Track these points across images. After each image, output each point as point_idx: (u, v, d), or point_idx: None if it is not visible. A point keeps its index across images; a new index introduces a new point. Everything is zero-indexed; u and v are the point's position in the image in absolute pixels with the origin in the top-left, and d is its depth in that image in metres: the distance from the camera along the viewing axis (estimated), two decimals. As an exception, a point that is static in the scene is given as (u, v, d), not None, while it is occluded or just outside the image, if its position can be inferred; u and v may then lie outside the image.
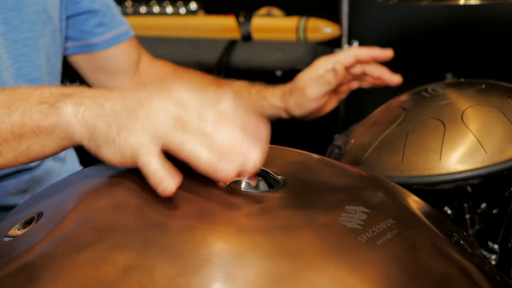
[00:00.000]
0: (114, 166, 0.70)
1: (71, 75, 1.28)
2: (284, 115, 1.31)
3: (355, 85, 1.30)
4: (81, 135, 0.72)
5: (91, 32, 1.28)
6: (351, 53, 1.24)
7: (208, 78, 1.40)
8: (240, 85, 1.35)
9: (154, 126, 0.67)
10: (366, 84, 1.30)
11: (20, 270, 0.57)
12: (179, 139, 0.66)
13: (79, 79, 1.32)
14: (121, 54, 1.34)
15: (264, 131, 0.69)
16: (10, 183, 1.14)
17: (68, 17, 1.25)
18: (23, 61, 1.11)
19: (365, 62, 1.26)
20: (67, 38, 1.27)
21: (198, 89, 0.70)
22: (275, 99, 1.30)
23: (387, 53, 1.25)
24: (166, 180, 0.63)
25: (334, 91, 1.28)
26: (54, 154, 0.77)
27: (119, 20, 1.33)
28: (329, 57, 1.26)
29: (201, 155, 0.65)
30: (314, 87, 1.24)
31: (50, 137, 0.74)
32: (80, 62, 1.33)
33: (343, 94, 1.30)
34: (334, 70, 1.22)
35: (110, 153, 0.69)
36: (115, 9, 1.33)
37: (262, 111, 1.31)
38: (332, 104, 1.30)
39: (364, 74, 1.28)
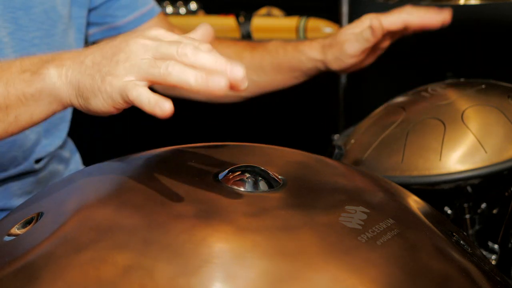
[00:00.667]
0: (106, 114, 0.73)
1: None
2: (322, 67, 1.26)
3: (396, 37, 1.26)
4: (68, 95, 0.73)
5: (114, 15, 1.26)
6: (401, 17, 1.19)
7: (242, 43, 1.36)
8: (275, 44, 1.31)
9: (135, 64, 0.69)
10: (407, 33, 1.25)
11: (20, 270, 0.57)
12: (163, 69, 0.68)
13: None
14: None
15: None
16: (15, 185, 1.14)
17: (92, 9, 1.23)
18: None
19: (415, 27, 1.20)
20: (90, 25, 1.25)
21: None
22: (313, 51, 1.25)
23: (439, 18, 1.19)
24: (160, 102, 0.66)
25: (374, 47, 1.23)
26: (43, 120, 0.78)
27: None
28: (377, 15, 1.22)
29: (189, 76, 0.67)
30: (353, 43, 1.20)
31: (37, 103, 0.75)
32: None
33: (380, 51, 1.26)
34: (372, 28, 1.18)
35: (100, 102, 0.72)
36: None
37: (300, 66, 1.27)
38: (370, 59, 1.26)
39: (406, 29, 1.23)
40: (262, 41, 1.34)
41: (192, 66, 0.68)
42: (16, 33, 1.08)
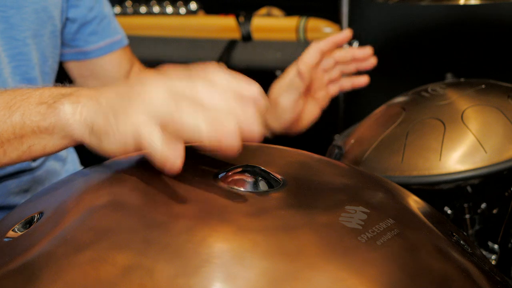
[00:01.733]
0: (116, 155, 0.71)
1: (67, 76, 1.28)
2: (266, 133, 1.25)
3: (333, 89, 1.24)
4: (81, 133, 0.73)
5: (85, 39, 1.28)
6: (314, 48, 1.19)
7: None
8: None
9: (149, 105, 0.67)
10: (345, 87, 1.25)
11: (20, 270, 0.57)
12: (177, 114, 0.66)
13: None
14: (113, 63, 1.33)
15: (256, 89, 0.68)
16: (12, 183, 1.14)
17: (65, 19, 1.24)
18: (21, 60, 1.11)
19: (328, 53, 1.20)
20: (63, 44, 1.27)
21: (191, 77, 0.70)
22: None
23: (345, 35, 1.20)
24: (171, 158, 0.64)
25: (312, 97, 1.23)
26: (56, 152, 0.78)
27: (114, 28, 1.32)
28: (298, 60, 1.21)
29: (201, 128, 0.64)
30: (285, 95, 1.19)
31: (50, 137, 0.75)
32: (72, 67, 1.32)
33: (322, 101, 1.24)
34: (298, 72, 1.17)
35: (112, 143, 0.70)
36: (111, 16, 1.32)
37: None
38: (312, 113, 1.24)
39: (340, 76, 1.23)
40: None
41: (206, 115, 0.65)
42: (7, 31, 1.08)
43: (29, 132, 0.75)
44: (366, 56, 1.22)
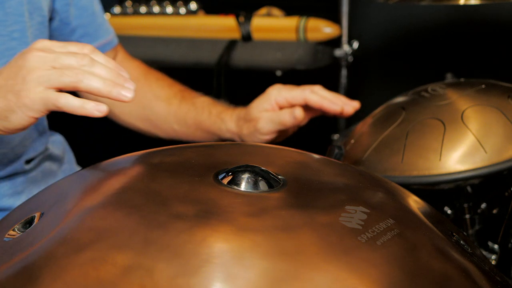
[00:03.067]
0: (27, 127, 0.80)
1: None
2: (238, 140, 1.27)
3: (307, 118, 1.25)
4: None
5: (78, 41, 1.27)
6: (303, 95, 1.19)
7: (176, 88, 1.36)
8: (203, 102, 1.32)
9: (42, 75, 0.76)
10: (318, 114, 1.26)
11: (20, 270, 0.57)
12: (73, 77, 0.76)
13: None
14: None
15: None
16: (5, 185, 1.14)
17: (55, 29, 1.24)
18: (11, 55, 1.09)
19: (313, 107, 1.21)
20: None
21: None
22: (231, 123, 1.26)
23: (336, 107, 1.20)
24: (96, 105, 0.76)
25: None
26: None
27: (105, 29, 1.31)
28: (281, 88, 1.21)
29: (99, 84, 0.77)
30: (268, 123, 1.20)
31: None
32: None
33: (302, 122, 1.25)
34: (294, 115, 1.18)
35: (20, 117, 0.78)
36: (102, 17, 1.30)
37: (218, 133, 1.29)
38: (282, 137, 1.26)
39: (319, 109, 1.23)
40: (195, 93, 1.35)
41: (91, 74, 0.76)
42: None
43: None
44: (335, 112, 1.21)
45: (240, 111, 1.26)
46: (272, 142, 1.24)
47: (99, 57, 0.80)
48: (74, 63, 0.77)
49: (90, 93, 0.77)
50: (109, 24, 1.33)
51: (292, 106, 1.21)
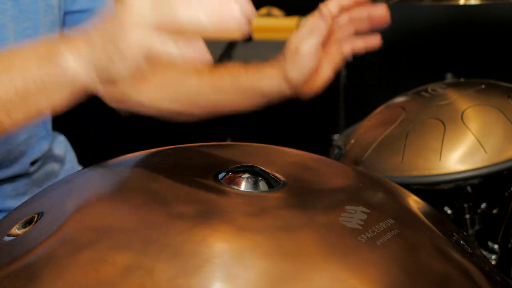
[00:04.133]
0: (131, 80, 0.72)
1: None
2: (284, 86, 1.20)
3: (346, 48, 1.21)
4: (87, 75, 0.73)
5: None
6: (335, 2, 1.16)
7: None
8: (234, 65, 1.28)
9: (139, 17, 0.68)
10: (358, 47, 1.21)
11: (20, 270, 0.57)
12: (171, 13, 0.68)
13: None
14: None
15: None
16: (8, 187, 1.13)
17: (66, 13, 1.23)
18: None
19: (346, 10, 1.17)
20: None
21: None
22: (272, 69, 1.21)
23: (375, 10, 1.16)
24: (196, 55, 0.66)
25: (326, 53, 1.19)
26: (65, 107, 0.77)
27: None
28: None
29: (201, 18, 0.68)
30: (306, 41, 1.15)
31: (56, 89, 0.74)
32: None
33: (336, 61, 1.21)
34: (321, 15, 1.15)
35: (122, 69, 0.71)
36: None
37: (260, 88, 1.24)
38: (325, 73, 1.20)
39: (353, 34, 1.19)
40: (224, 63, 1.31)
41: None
42: (7, 24, 1.07)
43: (33, 89, 0.74)
44: (381, 14, 1.19)
45: (279, 56, 1.22)
46: (316, 80, 1.19)
47: None
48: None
49: (193, 30, 0.69)
50: None
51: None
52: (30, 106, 0.76)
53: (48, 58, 0.74)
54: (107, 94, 1.20)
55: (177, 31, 0.67)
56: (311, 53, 1.16)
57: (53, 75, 0.74)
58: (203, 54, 0.66)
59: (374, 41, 1.19)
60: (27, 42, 0.86)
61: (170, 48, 0.67)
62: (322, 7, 1.14)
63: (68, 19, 1.23)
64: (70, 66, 0.73)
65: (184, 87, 1.29)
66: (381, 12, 1.17)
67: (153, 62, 0.69)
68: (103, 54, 0.71)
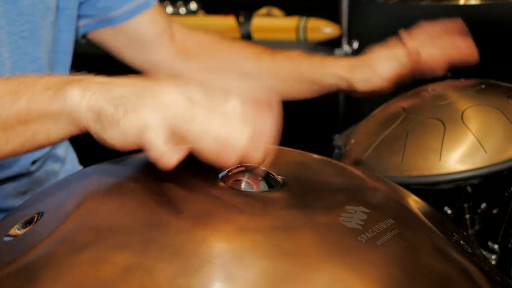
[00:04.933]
0: (115, 147, 0.70)
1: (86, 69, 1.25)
2: (344, 86, 1.22)
3: (427, 72, 1.22)
4: (87, 119, 0.72)
5: (108, 7, 1.22)
6: (444, 53, 1.19)
7: (260, 46, 1.30)
8: (298, 53, 1.27)
9: (162, 108, 0.67)
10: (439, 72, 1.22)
11: (20, 270, 0.57)
12: (186, 125, 0.66)
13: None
14: (147, 22, 1.26)
15: (273, 120, 0.69)
16: (10, 186, 1.14)
17: (84, 1, 1.21)
18: (19, 54, 1.09)
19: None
20: (81, 17, 1.22)
21: (209, 89, 0.70)
22: (340, 68, 1.22)
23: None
24: (168, 154, 0.64)
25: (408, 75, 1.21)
26: (60, 141, 0.77)
27: None
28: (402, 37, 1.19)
29: (207, 142, 0.66)
30: (387, 64, 1.18)
31: (56, 122, 0.74)
32: (105, 38, 1.26)
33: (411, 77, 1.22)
34: (409, 51, 1.16)
35: (114, 135, 0.69)
36: None
37: (322, 79, 1.24)
38: (402, 79, 1.22)
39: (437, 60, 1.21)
40: (284, 50, 1.30)
41: (213, 135, 0.66)
42: (5, 27, 1.07)
43: (35, 117, 0.74)
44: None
45: (351, 59, 1.23)
46: (383, 92, 1.22)
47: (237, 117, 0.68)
48: (203, 117, 0.66)
49: (192, 146, 0.67)
50: None
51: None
52: (27, 134, 0.75)
53: (57, 90, 0.73)
54: None
55: (177, 137, 0.67)
56: (387, 78, 1.18)
57: (56, 108, 0.73)
58: (173, 156, 0.65)
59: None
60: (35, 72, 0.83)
61: (157, 139, 0.66)
62: (407, 40, 1.16)
63: (86, 7, 1.22)
64: (74, 105, 0.72)
65: (240, 70, 1.27)
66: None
67: (136, 145, 0.69)
68: (111, 110, 0.70)
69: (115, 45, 1.27)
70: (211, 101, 0.68)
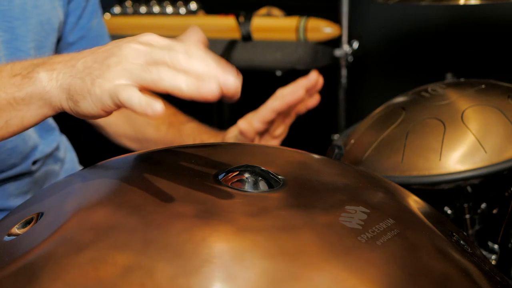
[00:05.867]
0: (96, 117, 0.72)
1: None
2: None
3: (289, 120, 1.27)
4: (59, 98, 0.73)
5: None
6: (269, 108, 1.22)
7: (167, 112, 1.36)
8: (189, 129, 1.35)
9: (127, 68, 0.69)
10: (300, 111, 1.26)
11: (20, 270, 0.57)
12: (155, 75, 0.68)
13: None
14: None
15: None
16: (11, 186, 1.14)
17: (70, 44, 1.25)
18: None
19: (288, 106, 1.22)
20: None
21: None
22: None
23: (309, 82, 1.21)
24: (151, 102, 0.66)
25: (271, 136, 1.26)
26: (34, 125, 0.78)
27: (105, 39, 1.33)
28: (249, 117, 1.24)
29: (180, 82, 0.67)
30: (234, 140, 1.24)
31: (28, 107, 0.75)
32: None
33: (283, 133, 1.27)
34: (243, 132, 1.21)
35: (89, 105, 0.71)
36: (107, 36, 1.33)
37: None
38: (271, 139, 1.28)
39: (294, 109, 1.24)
40: (182, 120, 1.38)
41: (184, 72, 0.68)
42: (12, 42, 1.08)
43: (5, 105, 0.75)
44: (313, 83, 1.22)
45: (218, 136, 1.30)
46: None
47: (201, 53, 0.71)
48: (166, 59, 0.69)
49: (172, 93, 0.69)
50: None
51: (273, 121, 1.24)
52: (0, 123, 0.76)
53: (24, 76, 0.74)
54: None
55: (152, 88, 0.69)
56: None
57: (26, 93, 0.74)
58: (158, 108, 0.67)
59: (314, 102, 1.24)
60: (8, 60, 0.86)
61: (134, 99, 0.67)
62: (243, 125, 1.22)
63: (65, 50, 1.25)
64: (44, 87, 0.73)
65: (142, 134, 1.37)
66: (313, 81, 1.21)
67: (117, 106, 0.70)
68: (79, 84, 0.71)
69: None
70: (168, 42, 0.71)
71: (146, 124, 1.36)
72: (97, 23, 1.30)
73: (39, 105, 0.74)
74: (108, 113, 0.72)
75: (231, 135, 1.26)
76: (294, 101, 1.21)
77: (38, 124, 0.77)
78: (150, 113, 0.65)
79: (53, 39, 1.17)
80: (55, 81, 0.73)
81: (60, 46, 1.25)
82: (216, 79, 0.67)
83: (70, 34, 1.25)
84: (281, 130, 1.27)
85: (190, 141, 1.33)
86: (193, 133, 1.34)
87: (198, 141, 1.32)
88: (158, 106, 0.65)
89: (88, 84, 0.70)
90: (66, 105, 0.73)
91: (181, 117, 1.38)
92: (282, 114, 1.23)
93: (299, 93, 1.20)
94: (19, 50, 1.09)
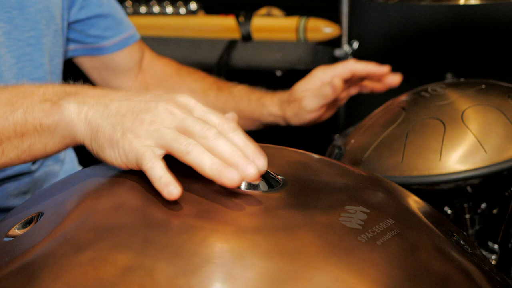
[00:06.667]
0: (114, 166, 0.70)
1: (73, 74, 1.27)
2: (282, 123, 1.31)
3: (353, 91, 1.30)
4: (83, 135, 0.72)
5: (100, 36, 1.28)
6: (348, 66, 1.24)
7: (210, 80, 1.39)
8: (240, 90, 1.34)
9: (158, 132, 0.67)
10: (365, 90, 1.31)
11: (20, 270, 0.57)
12: (183, 147, 0.66)
13: (82, 78, 1.32)
14: (126, 56, 1.34)
15: (263, 161, 0.68)
16: (11, 186, 1.14)
17: (75, 22, 1.24)
18: (26, 60, 1.11)
19: (361, 75, 1.26)
20: (72, 41, 1.27)
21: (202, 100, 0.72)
22: (274, 107, 1.30)
23: (383, 69, 1.26)
24: (170, 185, 0.63)
25: (333, 103, 1.28)
26: (56, 153, 0.77)
27: (126, 23, 1.33)
28: (326, 68, 1.26)
29: (205, 162, 0.65)
30: (311, 99, 1.24)
31: (52, 135, 0.74)
32: (85, 62, 1.33)
33: (342, 102, 1.31)
34: (332, 85, 1.21)
35: (113, 155, 0.69)
36: (122, 12, 1.32)
37: (260, 118, 1.32)
38: (330, 112, 1.30)
39: (362, 80, 1.28)
40: (230, 83, 1.38)
41: (210, 150, 0.66)
42: (12, 32, 1.08)
43: (31, 129, 0.74)
44: (383, 73, 1.27)
45: (281, 95, 1.30)
46: (316, 121, 1.29)
47: (232, 133, 0.69)
48: (197, 131, 0.67)
49: (193, 168, 0.67)
50: (129, 19, 1.35)
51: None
52: (23, 146, 0.75)
53: (53, 103, 0.73)
54: None
55: (177, 158, 0.67)
56: (313, 111, 1.25)
57: (52, 121, 0.73)
58: (177, 185, 0.64)
59: (394, 80, 1.28)
60: (33, 81, 0.83)
61: (155, 173, 0.65)
62: (334, 77, 1.22)
63: (76, 26, 1.25)
64: (71, 119, 0.72)
65: None
66: (395, 80, 1.28)
67: (132, 167, 0.69)
68: (108, 129, 0.70)
69: (89, 68, 1.34)
70: (205, 111, 0.70)
71: (191, 93, 1.34)
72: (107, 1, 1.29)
73: (64, 135, 0.73)
74: (128, 168, 0.70)
75: (312, 87, 1.25)
76: (371, 72, 1.25)
77: (60, 152, 0.76)
78: (165, 194, 0.63)
79: (53, 26, 1.16)
80: (83, 116, 0.71)
81: (72, 26, 1.24)
82: (238, 168, 0.65)
83: (79, 12, 1.24)
84: (343, 98, 1.29)
85: (244, 102, 1.32)
86: (246, 93, 1.33)
87: (253, 101, 1.31)
88: (175, 191, 0.63)
89: (118, 135, 0.68)
90: (89, 144, 0.71)
91: (227, 83, 1.38)
92: (349, 81, 1.26)
93: (372, 70, 1.25)
94: (19, 40, 1.09)
